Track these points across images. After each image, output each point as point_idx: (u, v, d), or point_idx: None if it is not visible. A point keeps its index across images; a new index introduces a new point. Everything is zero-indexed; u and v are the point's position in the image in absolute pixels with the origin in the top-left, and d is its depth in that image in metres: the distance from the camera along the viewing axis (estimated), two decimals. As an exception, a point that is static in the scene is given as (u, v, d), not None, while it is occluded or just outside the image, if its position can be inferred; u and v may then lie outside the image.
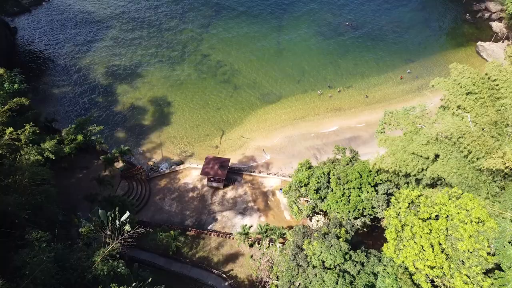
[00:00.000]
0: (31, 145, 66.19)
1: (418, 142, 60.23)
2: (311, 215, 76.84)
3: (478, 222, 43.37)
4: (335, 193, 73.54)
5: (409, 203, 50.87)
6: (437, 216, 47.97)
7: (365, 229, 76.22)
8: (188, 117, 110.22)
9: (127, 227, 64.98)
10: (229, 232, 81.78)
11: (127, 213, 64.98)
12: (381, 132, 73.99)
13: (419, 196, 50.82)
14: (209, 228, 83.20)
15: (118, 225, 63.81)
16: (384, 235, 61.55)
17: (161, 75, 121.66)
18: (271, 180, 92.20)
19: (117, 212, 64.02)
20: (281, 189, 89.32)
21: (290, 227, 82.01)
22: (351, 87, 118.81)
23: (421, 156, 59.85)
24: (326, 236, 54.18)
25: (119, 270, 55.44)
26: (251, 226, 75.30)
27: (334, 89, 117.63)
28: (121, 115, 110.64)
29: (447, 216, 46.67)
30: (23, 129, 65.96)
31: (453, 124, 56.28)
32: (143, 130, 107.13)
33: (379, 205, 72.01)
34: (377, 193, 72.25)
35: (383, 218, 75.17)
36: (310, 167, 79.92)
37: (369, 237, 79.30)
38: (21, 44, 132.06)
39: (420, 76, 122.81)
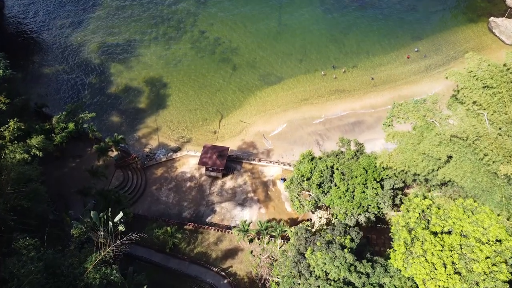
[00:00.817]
0: (16, 142, 62.17)
1: (430, 141, 56.19)
2: (313, 210, 73.93)
3: (496, 241, 40.12)
4: (338, 188, 70.27)
5: (419, 213, 47.54)
6: (450, 229, 44.75)
7: (369, 224, 73.57)
8: (185, 100, 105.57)
9: (121, 227, 62.30)
10: (228, 225, 79.35)
11: (121, 214, 61.96)
12: (389, 126, 69.84)
13: (430, 205, 47.39)
14: (207, 220, 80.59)
15: (111, 226, 61.07)
16: (390, 234, 59.10)
17: (157, 54, 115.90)
18: (271, 169, 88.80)
19: (109, 214, 61.03)
20: (282, 179, 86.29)
21: (292, 220, 79.55)
22: (356, 67, 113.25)
23: (432, 156, 56.06)
24: (330, 245, 51.22)
25: (112, 277, 52.94)
26: (251, 222, 72.36)
27: (338, 70, 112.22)
28: (115, 98, 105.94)
29: (461, 231, 43.40)
30: (7, 126, 61.82)
31: (469, 125, 52.14)
32: (138, 114, 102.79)
33: (384, 201, 69.05)
34: (382, 189, 69.12)
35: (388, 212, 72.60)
36: (312, 159, 76.25)
37: (372, 230, 76.61)
38: (8, 19, 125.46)
39: (428, 55, 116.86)
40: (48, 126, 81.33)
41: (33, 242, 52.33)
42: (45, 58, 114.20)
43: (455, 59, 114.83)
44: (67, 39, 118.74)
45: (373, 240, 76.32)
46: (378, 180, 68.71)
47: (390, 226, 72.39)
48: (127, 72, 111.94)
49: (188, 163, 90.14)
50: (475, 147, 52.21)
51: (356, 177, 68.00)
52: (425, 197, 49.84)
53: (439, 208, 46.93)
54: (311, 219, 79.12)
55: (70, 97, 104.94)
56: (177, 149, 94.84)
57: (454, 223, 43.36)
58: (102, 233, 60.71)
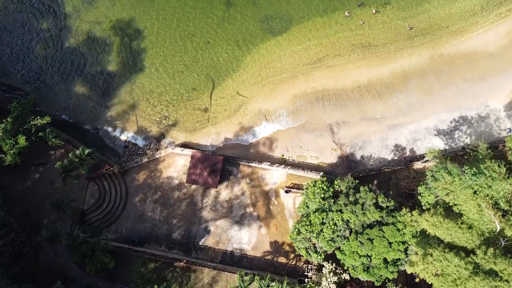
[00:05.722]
0: None
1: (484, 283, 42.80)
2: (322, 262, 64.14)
3: None
4: (354, 252, 59.13)
5: None
6: None
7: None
8: (166, 58, 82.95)
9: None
10: (224, 249, 70.95)
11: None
12: (426, 195, 53.94)
13: None
14: (200, 243, 71.71)
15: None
16: None
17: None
18: (274, 174, 74.78)
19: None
20: (286, 191, 73.54)
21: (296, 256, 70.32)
22: (390, 5, 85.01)
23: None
24: None
25: None
26: (252, 280, 62.70)
27: (367, 9, 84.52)
28: (76, 54, 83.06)
29: None
30: None
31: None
32: (109, 81, 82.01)
33: (405, 263, 59.03)
34: (406, 253, 58.24)
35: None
36: (324, 197, 62.55)
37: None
38: None
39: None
40: (-8, 145, 64.41)
41: None
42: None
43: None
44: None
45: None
46: (402, 250, 57.16)
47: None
48: (88, 11, 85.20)
49: (175, 164, 75.41)
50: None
51: (377, 253, 56.14)
52: None
53: None
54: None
55: (13, 53, 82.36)
56: (160, 137, 78.65)
57: None
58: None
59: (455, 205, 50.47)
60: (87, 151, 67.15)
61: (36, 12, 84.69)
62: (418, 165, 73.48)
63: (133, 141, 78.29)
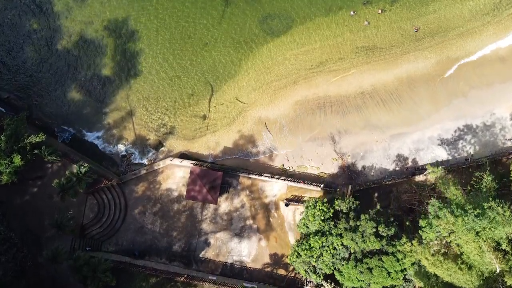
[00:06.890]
0: None
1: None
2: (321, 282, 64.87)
3: None
4: (352, 278, 59.70)
5: None
6: None
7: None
8: (163, 61, 79.73)
9: None
10: (225, 261, 71.74)
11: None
12: (429, 233, 53.42)
13: None
14: (201, 255, 72.40)
15: None
16: None
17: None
18: (274, 186, 74.15)
19: None
20: (286, 204, 73.23)
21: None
22: (397, 3, 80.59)
23: None
24: None
25: None
26: None
27: (373, 8, 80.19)
28: (68, 57, 79.89)
29: None
30: None
31: None
32: (104, 87, 79.41)
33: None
34: (404, 280, 58.91)
35: None
36: (324, 218, 62.38)
37: None
38: None
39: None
40: (-16, 168, 63.27)
41: None
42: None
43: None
44: None
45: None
46: (401, 278, 57.68)
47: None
48: (79, 9, 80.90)
49: (174, 176, 74.54)
50: None
51: (376, 282, 56.68)
52: None
53: None
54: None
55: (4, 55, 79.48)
56: (158, 146, 77.29)
57: None
58: None
59: (456, 245, 50.27)
60: (83, 169, 66.05)
61: (25, 9, 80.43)
62: (419, 177, 72.56)
63: (131, 151, 76.94)
